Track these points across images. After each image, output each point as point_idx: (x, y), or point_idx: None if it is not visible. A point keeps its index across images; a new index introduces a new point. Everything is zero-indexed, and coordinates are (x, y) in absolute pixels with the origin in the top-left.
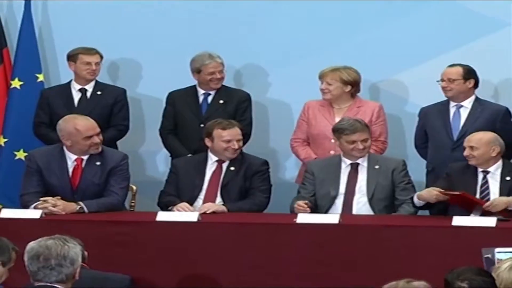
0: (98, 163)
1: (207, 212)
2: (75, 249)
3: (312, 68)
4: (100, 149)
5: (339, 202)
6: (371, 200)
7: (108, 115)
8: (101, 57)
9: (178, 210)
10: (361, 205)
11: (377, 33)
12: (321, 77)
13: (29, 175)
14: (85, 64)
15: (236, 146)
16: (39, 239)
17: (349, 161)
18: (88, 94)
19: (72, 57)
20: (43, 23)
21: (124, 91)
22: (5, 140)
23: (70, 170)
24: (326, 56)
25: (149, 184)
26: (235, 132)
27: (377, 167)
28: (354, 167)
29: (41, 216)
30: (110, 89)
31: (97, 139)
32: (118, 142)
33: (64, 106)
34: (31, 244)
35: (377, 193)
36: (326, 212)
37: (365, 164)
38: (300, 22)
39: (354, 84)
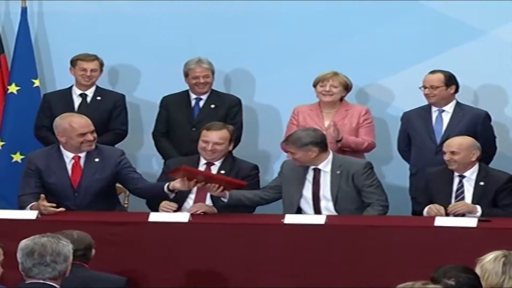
0: (96, 159)
1: (197, 212)
2: (67, 246)
3: (299, 73)
4: (93, 146)
5: (308, 206)
6: (336, 205)
7: (107, 120)
8: (101, 64)
9: (162, 209)
10: (328, 211)
11: (363, 39)
12: (323, 80)
13: (27, 177)
14: (81, 70)
15: (209, 148)
16: (33, 237)
17: (312, 166)
18: (88, 99)
19: (72, 62)
20: (39, 30)
21: (123, 96)
22: (2, 143)
23: (69, 168)
24: (313, 62)
25: None
26: (215, 135)
27: (338, 172)
28: (317, 172)
29: (37, 217)
30: (109, 95)
31: (90, 137)
32: (116, 146)
33: (64, 110)
34: (25, 241)
35: (341, 199)
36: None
37: (328, 169)
38: (287, 28)
39: (349, 90)
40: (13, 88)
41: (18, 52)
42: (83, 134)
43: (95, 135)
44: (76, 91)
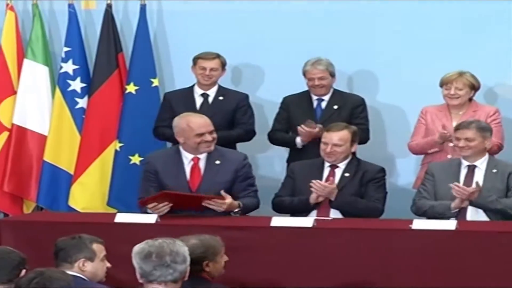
0: (217, 162)
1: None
2: (183, 247)
3: (426, 73)
4: (212, 148)
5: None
6: None
7: (230, 121)
8: (222, 63)
9: (315, 185)
10: (474, 209)
11: (492, 38)
12: (447, 82)
13: (146, 180)
14: (201, 69)
15: (328, 150)
16: (145, 241)
17: (466, 163)
18: (210, 99)
19: (193, 60)
20: (158, 28)
21: (246, 96)
22: (121, 144)
23: (187, 170)
24: (441, 60)
25: (267, 188)
26: (335, 136)
27: (494, 170)
28: (471, 169)
29: (156, 221)
30: (232, 94)
31: (209, 137)
32: (241, 146)
33: (186, 109)
34: (139, 245)
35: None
36: None
37: (483, 166)
38: (411, 28)
39: (477, 89)
40: (131, 88)
41: (137, 51)
42: (201, 135)
43: (214, 135)
44: (198, 91)
